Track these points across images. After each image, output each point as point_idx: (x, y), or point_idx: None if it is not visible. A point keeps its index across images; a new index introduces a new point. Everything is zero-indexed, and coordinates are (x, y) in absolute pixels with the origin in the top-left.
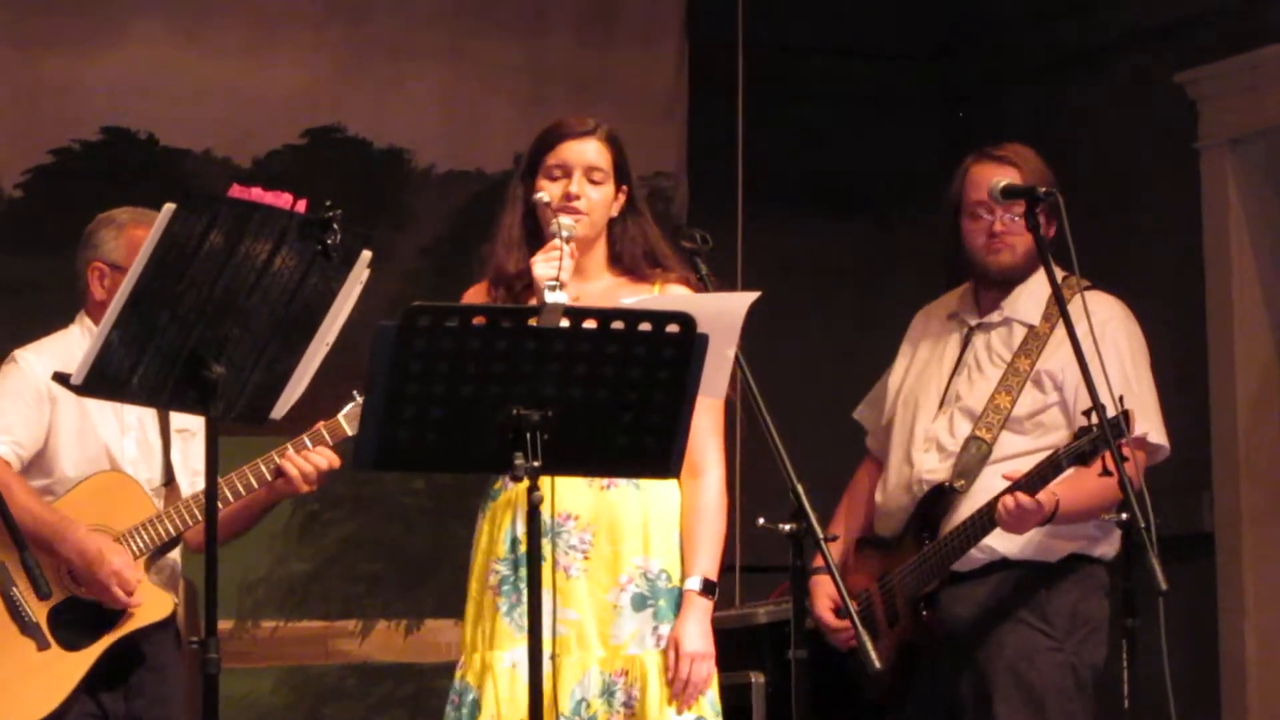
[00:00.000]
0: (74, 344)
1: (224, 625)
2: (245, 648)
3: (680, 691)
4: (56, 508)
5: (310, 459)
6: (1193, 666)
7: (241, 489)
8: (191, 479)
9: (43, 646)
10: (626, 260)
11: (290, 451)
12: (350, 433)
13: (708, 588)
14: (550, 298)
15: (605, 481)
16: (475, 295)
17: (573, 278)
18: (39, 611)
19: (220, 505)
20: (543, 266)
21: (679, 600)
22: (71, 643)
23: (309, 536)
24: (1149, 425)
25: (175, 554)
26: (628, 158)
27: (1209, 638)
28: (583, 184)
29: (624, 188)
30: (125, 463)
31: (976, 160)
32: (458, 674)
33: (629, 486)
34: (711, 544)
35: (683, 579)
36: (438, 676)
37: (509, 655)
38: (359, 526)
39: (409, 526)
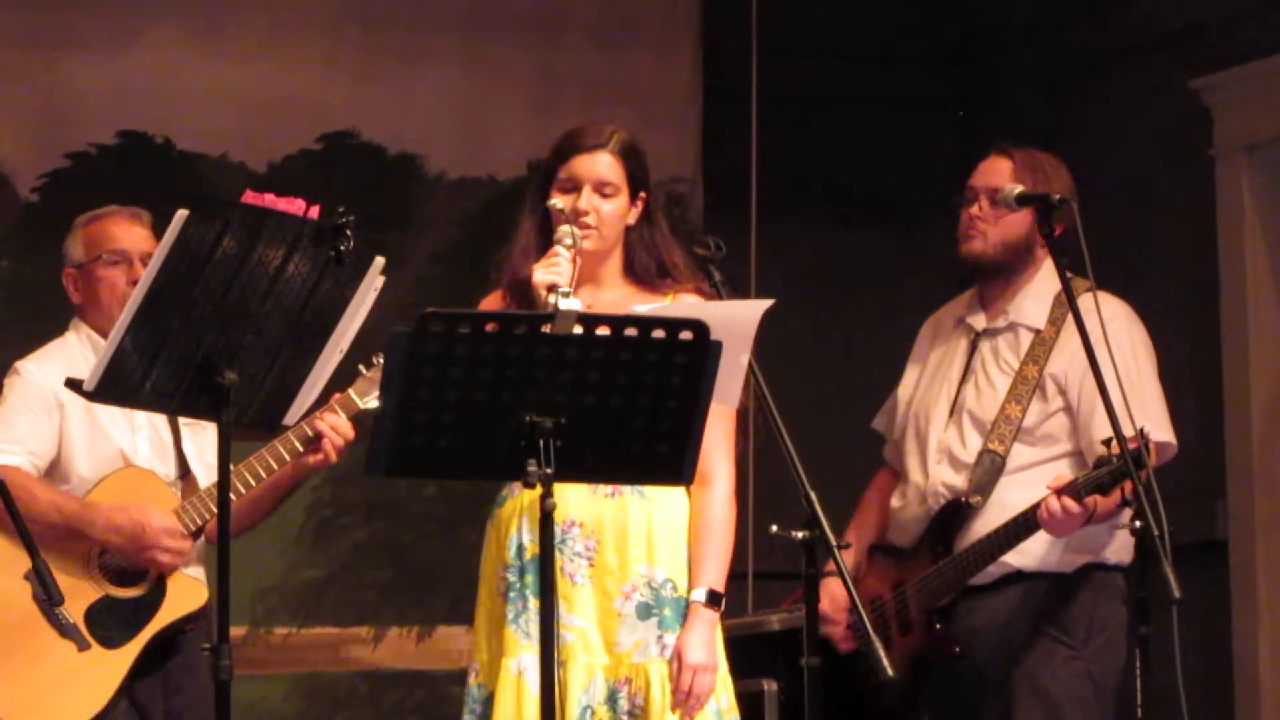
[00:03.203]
0: (74, 350)
1: (237, 632)
2: (258, 654)
3: (682, 702)
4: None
5: (339, 422)
6: (1206, 674)
7: (274, 463)
8: (207, 471)
9: (83, 647)
10: (639, 270)
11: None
12: (361, 406)
13: (713, 599)
14: (564, 304)
15: (609, 489)
16: (490, 304)
17: (587, 287)
18: (75, 613)
19: (246, 490)
20: (541, 273)
21: (685, 610)
22: (111, 640)
23: (321, 543)
24: (1153, 423)
25: (200, 541)
26: (646, 165)
27: (1223, 645)
28: (591, 199)
29: (642, 195)
30: (140, 461)
31: (991, 151)
32: (472, 680)
33: (634, 494)
34: (718, 555)
35: (689, 589)
36: (450, 683)
37: (515, 662)
38: (371, 533)
39: (421, 533)
